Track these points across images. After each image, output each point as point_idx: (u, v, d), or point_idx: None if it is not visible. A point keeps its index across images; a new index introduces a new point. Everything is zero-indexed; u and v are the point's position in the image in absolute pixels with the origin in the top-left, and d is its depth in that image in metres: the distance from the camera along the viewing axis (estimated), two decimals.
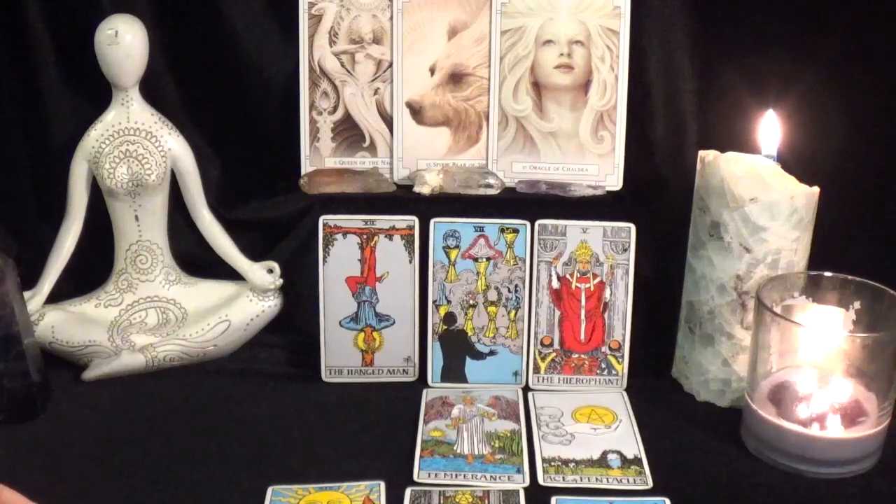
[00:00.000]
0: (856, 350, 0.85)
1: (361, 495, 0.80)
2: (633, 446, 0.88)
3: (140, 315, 1.02)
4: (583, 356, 0.98)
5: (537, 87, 1.03)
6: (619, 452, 0.87)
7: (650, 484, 0.83)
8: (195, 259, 1.06)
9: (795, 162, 0.95)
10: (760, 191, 0.88)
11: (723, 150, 0.92)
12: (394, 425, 0.92)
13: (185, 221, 1.04)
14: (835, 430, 0.84)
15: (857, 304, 0.89)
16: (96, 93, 1.00)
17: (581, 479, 0.83)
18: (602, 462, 0.86)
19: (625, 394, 0.97)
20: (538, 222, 0.97)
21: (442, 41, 1.02)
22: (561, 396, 0.97)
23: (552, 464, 0.85)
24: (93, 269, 1.04)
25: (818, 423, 0.85)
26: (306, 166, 1.05)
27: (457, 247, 0.98)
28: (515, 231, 0.97)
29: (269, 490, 0.81)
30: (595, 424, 0.92)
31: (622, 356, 0.98)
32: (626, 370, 0.98)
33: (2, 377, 0.89)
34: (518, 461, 0.86)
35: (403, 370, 1.00)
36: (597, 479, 0.83)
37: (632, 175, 1.04)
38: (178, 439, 0.89)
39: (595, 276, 0.98)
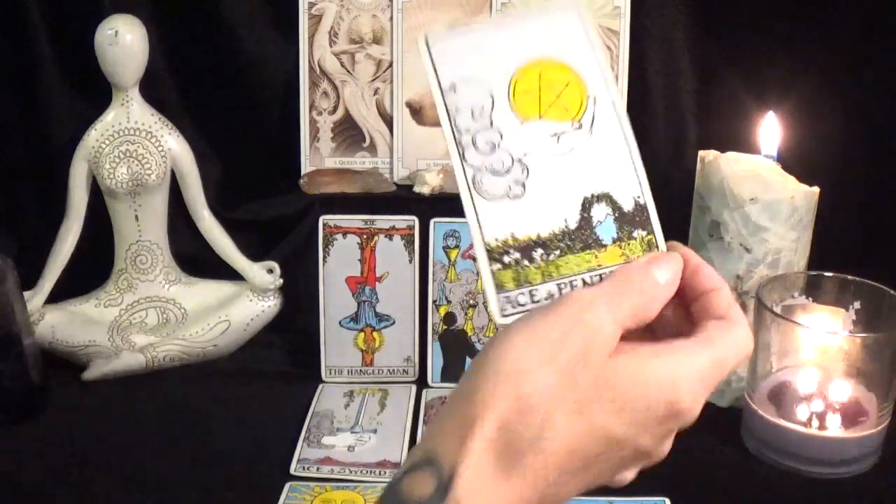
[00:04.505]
0: (856, 350, 0.85)
1: (376, 496, 0.80)
2: None
3: (140, 315, 1.02)
4: None
5: None
6: None
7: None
8: (195, 259, 1.06)
9: (795, 162, 0.95)
10: (760, 191, 0.88)
11: (723, 150, 0.92)
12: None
13: (185, 221, 1.04)
14: (835, 430, 0.84)
15: (857, 304, 0.89)
16: (96, 93, 1.00)
17: None
18: None
19: None
20: None
21: None
22: None
23: None
24: (93, 269, 1.04)
25: (818, 423, 0.84)
26: (306, 166, 1.05)
27: (457, 247, 0.98)
28: None
29: (287, 485, 0.81)
30: None
31: None
32: None
33: (2, 377, 0.89)
34: None
35: (403, 370, 1.00)
36: None
37: None
38: (178, 439, 0.89)
39: None
